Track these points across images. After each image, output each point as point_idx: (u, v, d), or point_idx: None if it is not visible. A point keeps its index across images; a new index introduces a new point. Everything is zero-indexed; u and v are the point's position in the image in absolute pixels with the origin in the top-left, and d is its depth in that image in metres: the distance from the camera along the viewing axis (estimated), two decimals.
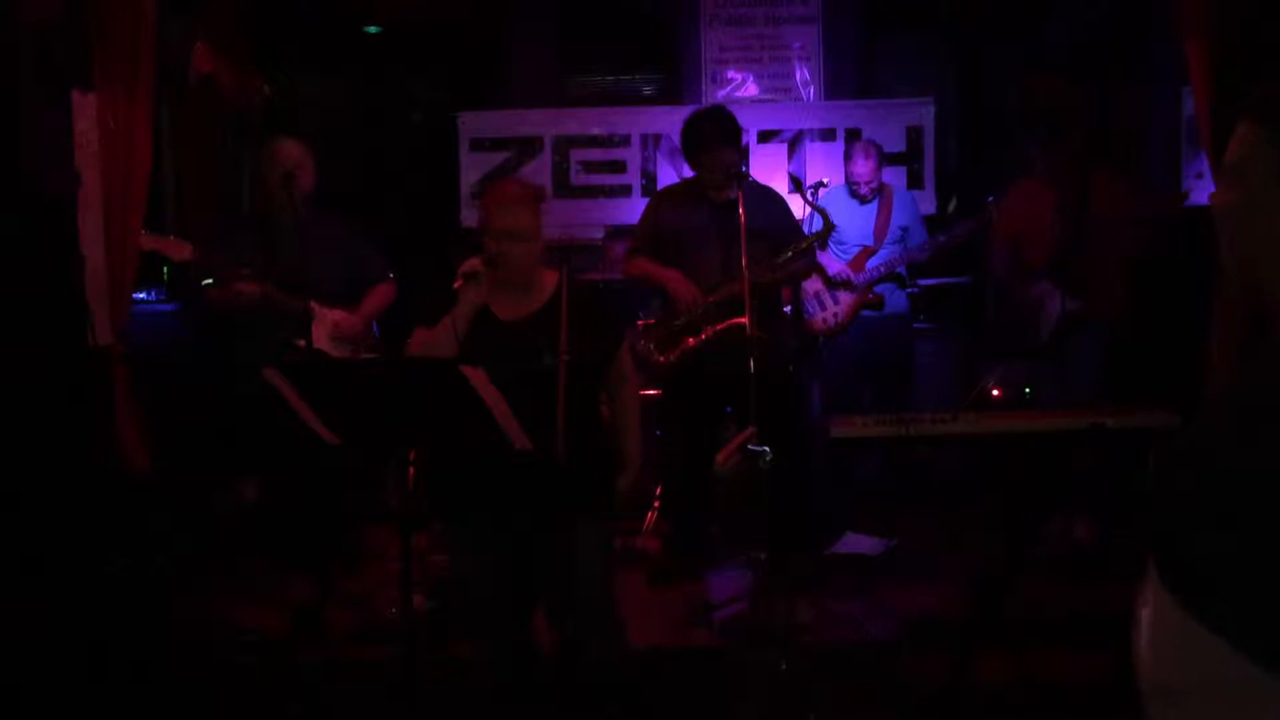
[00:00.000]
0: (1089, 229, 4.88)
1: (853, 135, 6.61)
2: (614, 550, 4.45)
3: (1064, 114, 5.22)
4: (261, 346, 4.49)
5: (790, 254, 4.67)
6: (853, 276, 5.49)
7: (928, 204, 6.69)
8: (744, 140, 6.41)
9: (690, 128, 4.75)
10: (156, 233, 4.31)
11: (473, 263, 3.08)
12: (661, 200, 5.03)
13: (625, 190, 6.90)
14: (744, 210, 4.23)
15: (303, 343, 4.41)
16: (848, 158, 5.66)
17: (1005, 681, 3.55)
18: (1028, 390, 5.29)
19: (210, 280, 4.42)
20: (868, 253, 5.53)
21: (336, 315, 4.63)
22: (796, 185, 4.79)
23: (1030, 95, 7.05)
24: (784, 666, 3.71)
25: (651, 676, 3.82)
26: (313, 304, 4.42)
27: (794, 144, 6.84)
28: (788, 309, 5.60)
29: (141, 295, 5.07)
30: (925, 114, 6.88)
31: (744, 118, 4.90)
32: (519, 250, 3.06)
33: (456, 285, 3.05)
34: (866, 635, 4.02)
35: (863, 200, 5.56)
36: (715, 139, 4.61)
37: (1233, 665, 1.40)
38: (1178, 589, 1.40)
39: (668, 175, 6.71)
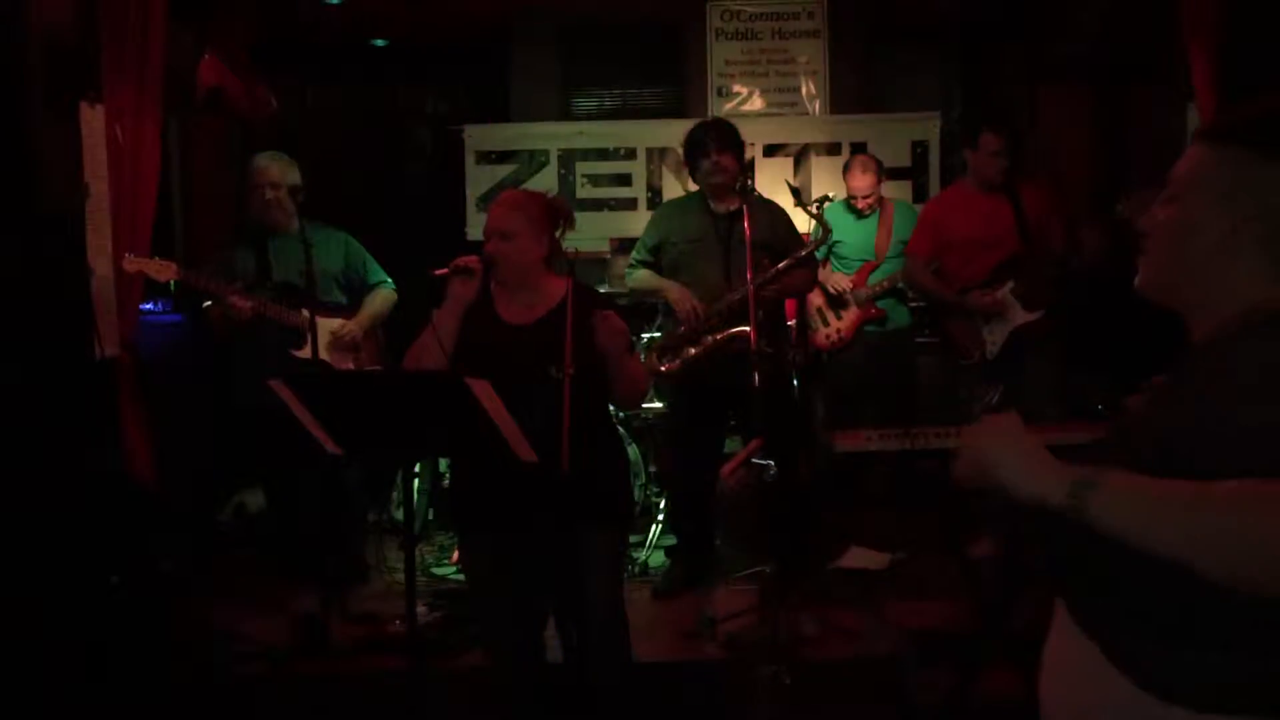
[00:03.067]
0: (1032, 237, 4.88)
1: (858, 149, 6.61)
2: (626, 563, 4.46)
3: (1003, 114, 5.17)
4: (260, 359, 4.52)
5: (789, 261, 4.68)
6: (854, 290, 5.50)
7: None
8: (749, 154, 6.42)
9: (688, 138, 4.78)
10: (142, 253, 4.32)
11: (468, 259, 3.10)
12: (665, 211, 5.05)
13: (631, 203, 6.91)
14: (748, 221, 4.25)
15: (306, 350, 4.43)
16: (846, 170, 5.69)
17: (1010, 696, 3.54)
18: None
19: (209, 302, 4.45)
20: (870, 267, 5.54)
21: (334, 324, 4.66)
22: (796, 195, 4.78)
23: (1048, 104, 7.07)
24: (788, 680, 3.70)
25: (656, 689, 3.82)
26: (309, 314, 4.44)
27: (799, 158, 6.86)
28: (791, 323, 5.61)
29: (148, 306, 5.09)
30: (930, 128, 6.90)
31: (749, 131, 4.92)
32: (508, 249, 3.09)
33: (440, 272, 3.08)
34: (871, 649, 4.01)
35: (861, 215, 5.58)
36: (712, 143, 4.63)
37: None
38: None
39: (673, 188, 6.73)
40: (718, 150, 4.62)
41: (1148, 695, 1.40)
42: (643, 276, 4.84)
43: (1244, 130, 1.48)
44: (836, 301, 5.57)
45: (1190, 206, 1.50)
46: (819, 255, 5.14)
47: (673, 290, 4.68)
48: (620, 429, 3.78)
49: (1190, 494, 1.27)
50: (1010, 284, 4.93)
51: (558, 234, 3.25)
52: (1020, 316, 4.92)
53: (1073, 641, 1.51)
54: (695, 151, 4.71)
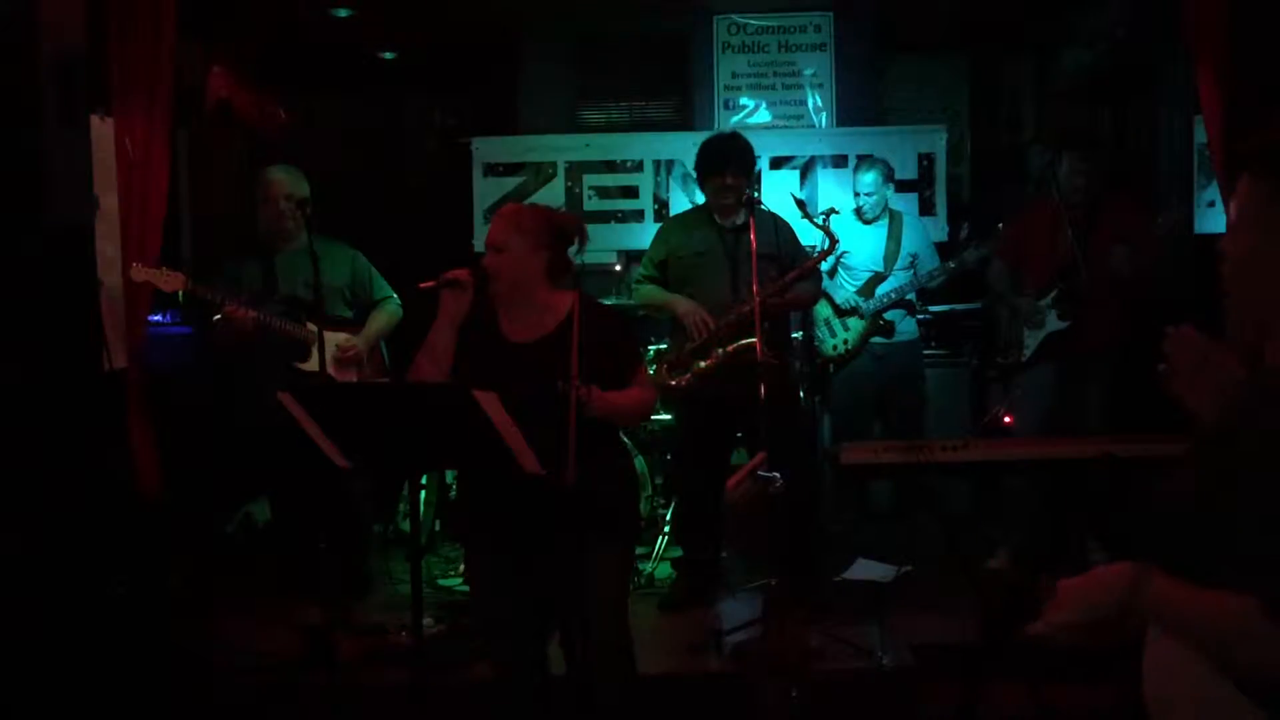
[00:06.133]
0: (1092, 253, 4.91)
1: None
2: (632, 578, 4.46)
3: (1086, 136, 5.25)
4: (265, 372, 4.53)
5: (797, 272, 4.68)
6: (862, 304, 5.50)
7: (940, 230, 6.70)
8: (756, 166, 6.43)
9: (703, 150, 4.78)
10: (150, 264, 4.34)
11: (456, 272, 3.09)
12: (671, 226, 5.08)
13: (638, 215, 6.91)
14: (754, 234, 4.26)
15: (311, 363, 4.43)
16: (854, 171, 5.74)
17: (1016, 709, 3.54)
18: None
19: (219, 316, 4.47)
20: (878, 279, 5.53)
21: (339, 339, 4.67)
22: (800, 207, 4.78)
23: (1052, 117, 7.09)
24: (795, 693, 3.70)
25: (662, 703, 3.81)
26: (313, 328, 4.44)
27: (806, 170, 6.86)
28: (798, 334, 5.61)
29: (157, 318, 5.11)
30: (937, 140, 6.89)
31: (756, 144, 4.92)
32: (501, 262, 3.08)
33: (426, 286, 3.08)
34: (877, 662, 4.01)
35: (868, 221, 5.58)
36: (728, 164, 4.64)
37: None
38: None
39: (680, 201, 6.73)
40: (733, 174, 4.63)
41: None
42: (649, 292, 4.86)
43: None
44: (844, 313, 5.57)
45: (1254, 239, 1.53)
46: (824, 267, 5.14)
47: (681, 304, 4.69)
48: (626, 440, 3.77)
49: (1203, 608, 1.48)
50: (1054, 293, 5.06)
51: (572, 250, 3.22)
52: (1053, 324, 5.06)
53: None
54: (708, 168, 4.72)
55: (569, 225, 3.22)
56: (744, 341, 4.48)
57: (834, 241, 4.82)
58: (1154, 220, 5.14)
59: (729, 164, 4.65)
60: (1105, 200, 5.08)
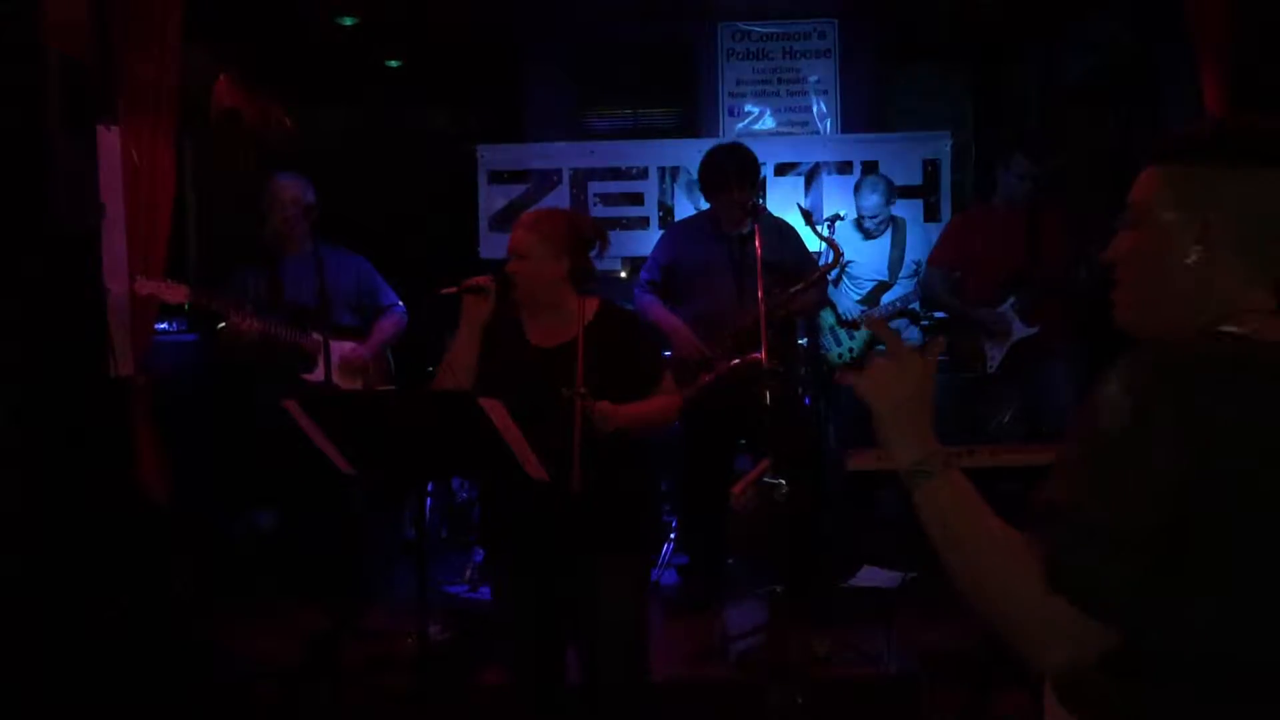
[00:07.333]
0: (1041, 257, 4.93)
1: (869, 168, 6.62)
2: (648, 587, 4.45)
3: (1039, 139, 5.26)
4: (272, 380, 4.54)
5: (802, 285, 4.68)
6: (865, 311, 5.50)
7: None
8: (761, 174, 6.44)
9: (708, 165, 4.75)
10: (156, 273, 4.34)
11: (479, 278, 3.09)
12: (675, 233, 5.06)
13: (643, 222, 6.92)
14: (760, 243, 4.25)
15: (317, 373, 4.44)
16: (856, 190, 5.71)
17: (1023, 715, 3.52)
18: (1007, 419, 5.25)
19: (224, 324, 4.47)
20: (883, 288, 5.54)
21: (344, 348, 4.67)
22: (806, 218, 4.77)
23: (1056, 122, 7.07)
24: (801, 700, 3.69)
25: (668, 709, 3.81)
26: (318, 337, 4.44)
27: (810, 177, 6.87)
28: (803, 341, 5.61)
29: (163, 325, 5.12)
30: (941, 147, 6.89)
31: (761, 151, 4.93)
32: (522, 268, 3.07)
33: (447, 291, 3.08)
34: (884, 669, 4.00)
35: (869, 235, 5.57)
36: (734, 179, 4.62)
37: None
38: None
39: (685, 207, 6.74)
40: (739, 187, 4.60)
41: None
42: (649, 306, 4.82)
43: (1205, 146, 1.47)
44: (847, 324, 5.57)
45: (1158, 226, 1.49)
46: (829, 276, 5.15)
47: (675, 336, 4.68)
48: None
49: (975, 530, 1.53)
50: (1011, 299, 5.02)
51: (592, 254, 3.21)
52: (1019, 331, 5.02)
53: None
54: (714, 183, 4.69)
55: (590, 229, 3.21)
56: (749, 356, 4.46)
57: (839, 254, 4.81)
58: (1103, 221, 5.10)
59: (735, 179, 4.62)
60: (1044, 206, 5.08)
